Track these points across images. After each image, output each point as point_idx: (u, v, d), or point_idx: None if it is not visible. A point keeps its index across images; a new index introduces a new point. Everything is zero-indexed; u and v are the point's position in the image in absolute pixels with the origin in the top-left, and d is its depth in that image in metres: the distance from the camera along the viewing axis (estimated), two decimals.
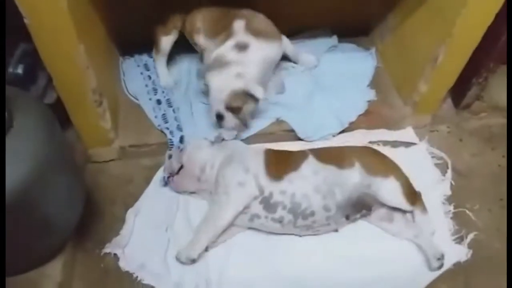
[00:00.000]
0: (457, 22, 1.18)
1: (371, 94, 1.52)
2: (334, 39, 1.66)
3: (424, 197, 1.26)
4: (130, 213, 1.26)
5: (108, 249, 1.20)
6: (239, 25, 1.37)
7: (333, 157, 1.23)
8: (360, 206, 1.19)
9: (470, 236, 1.27)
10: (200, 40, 1.44)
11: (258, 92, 1.29)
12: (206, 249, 1.18)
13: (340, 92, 1.52)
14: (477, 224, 1.30)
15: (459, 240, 1.26)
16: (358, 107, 1.49)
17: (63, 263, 1.11)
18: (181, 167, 1.25)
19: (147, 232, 1.24)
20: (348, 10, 1.63)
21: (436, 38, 1.27)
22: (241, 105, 1.31)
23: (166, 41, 1.47)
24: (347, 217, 1.19)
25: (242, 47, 1.34)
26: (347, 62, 1.60)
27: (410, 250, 1.22)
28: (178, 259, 1.16)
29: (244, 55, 1.33)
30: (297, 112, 1.45)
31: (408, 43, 1.46)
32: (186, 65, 1.58)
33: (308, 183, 1.16)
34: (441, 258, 1.17)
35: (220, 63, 1.32)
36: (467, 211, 1.33)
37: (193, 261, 1.15)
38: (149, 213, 1.27)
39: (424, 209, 1.23)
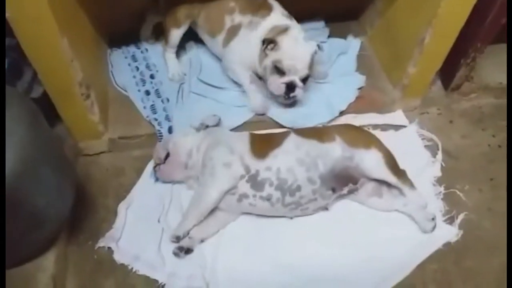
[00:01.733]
0: (441, 3, 1.18)
1: (361, 81, 1.52)
2: (325, 33, 1.66)
3: (414, 179, 1.26)
4: (121, 206, 1.27)
5: (101, 243, 1.20)
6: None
7: (314, 133, 1.26)
8: (345, 179, 1.20)
9: (461, 216, 1.27)
10: (236, 18, 1.42)
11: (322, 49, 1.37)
12: (201, 241, 1.19)
13: (328, 81, 1.51)
14: (468, 204, 1.31)
15: (450, 221, 1.27)
16: (349, 95, 1.49)
17: (57, 256, 1.12)
18: (168, 155, 1.26)
19: (140, 224, 1.24)
20: None
21: (422, 20, 1.27)
22: (310, 72, 1.35)
23: (177, 34, 1.46)
24: (333, 190, 1.20)
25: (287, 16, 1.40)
26: (331, 50, 1.59)
27: (401, 232, 1.23)
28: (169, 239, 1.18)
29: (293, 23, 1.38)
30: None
31: (396, 26, 1.45)
32: (185, 57, 1.57)
33: (291, 157, 1.18)
34: (434, 218, 1.21)
35: (280, 30, 1.33)
36: (458, 192, 1.33)
37: (178, 238, 1.17)
38: (141, 205, 1.28)
39: (411, 185, 1.24)
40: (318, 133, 1.26)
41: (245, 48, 1.40)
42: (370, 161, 1.20)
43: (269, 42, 1.32)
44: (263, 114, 1.42)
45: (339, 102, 1.46)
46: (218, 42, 1.47)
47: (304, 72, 1.33)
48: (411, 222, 1.24)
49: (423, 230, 1.21)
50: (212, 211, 1.20)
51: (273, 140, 1.24)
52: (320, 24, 1.67)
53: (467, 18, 1.24)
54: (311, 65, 1.35)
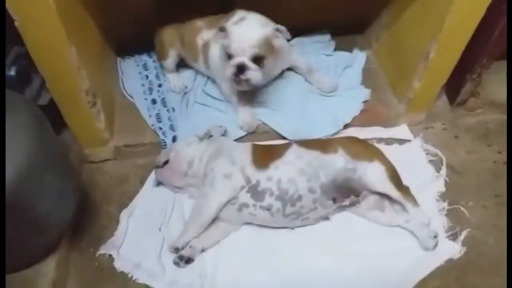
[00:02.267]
0: (447, 18, 1.18)
1: (366, 94, 1.52)
2: (331, 46, 1.66)
3: (418, 194, 1.26)
4: (124, 214, 1.28)
5: (103, 250, 1.21)
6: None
7: (317, 144, 1.26)
8: (346, 191, 1.20)
9: (464, 233, 1.26)
10: (204, 36, 1.42)
11: (286, 33, 1.28)
12: (202, 250, 1.19)
13: (334, 94, 1.52)
14: (471, 220, 1.29)
15: (453, 237, 1.25)
16: (354, 108, 1.48)
17: (58, 261, 1.12)
18: (167, 162, 1.27)
19: (141, 232, 1.25)
20: (344, 8, 1.63)
21: (427, 34, 1.27)
22: (266, 54, 1.29)
23: (167, 64, 1.50)
24: (334, 200, 1.19)
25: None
26: (337, 64, 1.60)
27: (403, 245, 1.22)
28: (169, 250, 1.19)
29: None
30: (290, 115, 1.45)
31: (402, 40, 1.46)
32: (191, 70, 1.58)
33: (292, 167, 1.19)
34: (436, 236, 1.19)
35: (241, 19, 1.29)
36: (462, 208, 1.32)
37: (177, 249, 1.17)
38: (143, 213, 1.29)
39: (415, 201, 1.24)
40: (320, 145, 1.26)
41: (219, 61, 1.37)
42: (373, 174, 1.20)
43: (220, 30, 1.28)
44: (253, 132, 1.42)
45: (343, 115, 1.46)
46: (201, 65, 1.47)
47: (252, 51, 1.25)
48: (413, 237, 1.23)
49: (425, 247, 1.20)
50: (214, 221, 1.20)
51: (275, 151, 1.25)
52: (326, 37, 1.68)
53: (473, 33, 1.23)
54: (267, 47, 1.29)
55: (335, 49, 1.67)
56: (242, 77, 1.28)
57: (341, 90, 1.53)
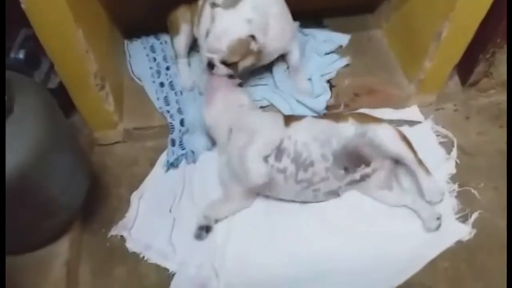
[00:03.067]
0: None
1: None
2: (344, 39, 1.62)
3: None
4: (134, 196, 1.29)
5: (114, 231, 1.23)
6: None
7: (329, 116, 1.34)
8: (357, 159, 1.21)
9: (475, 215, 1.25)
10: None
11: (261, 38, 1.23)
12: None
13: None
14: (482, 202, 1.29)
15: (463, 219, 1.25)
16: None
17: (71, 242, 1.15)
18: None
19: (152, 214, 1.27)
20: None
21: (439, 13, 1.24)
22: (238, 60, 1.24)
23: (178, 41, 1.45)
24: (346, 170, 1.20)
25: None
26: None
27: (412, 226, 1.22)
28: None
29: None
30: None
31: (412, 20, 1.42)
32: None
33: (307, 132, 1.21)
34: (439, 217, 1.20)
35: (231, 2, 1.22)
36: (472, 190, 1.31)
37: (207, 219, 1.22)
38: (153, 195, 1.30)
39: (427, 170, 1.23)
40: (333, 116, 1.31)
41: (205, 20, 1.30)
42: (384, 134, 1.20)
43: (211, 6, 1.23)
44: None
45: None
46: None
47: (222, 55, 1.22)
48: None
49: (428, 228, 1.21)
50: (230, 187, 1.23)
51: (294, 116, 1.29)
52: (344, 38, 1.62)
53: (487, 12, 1.20)
54: (242, 51, 1.23)
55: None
56: (211, 71, 1.26)
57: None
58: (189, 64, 1.50)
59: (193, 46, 1.49)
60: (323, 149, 1.19)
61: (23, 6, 0.96)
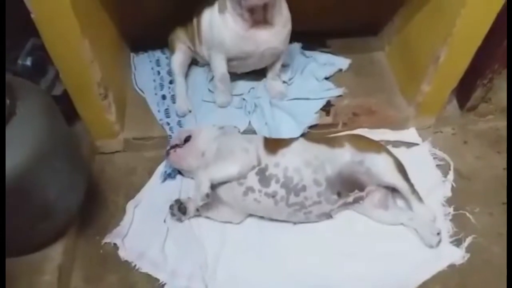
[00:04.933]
0: (457, 22, 1.17)
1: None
2: (345, 63, 1.64)
3: (423, 198, 1.25)
4: (130, 205, 1.30)
5: (108, 239, 1.24)
6: None
7: (324, 139, 1.29)
8: (352, 185, 1.21)
9: (469, 239, 1.25)
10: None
11: None
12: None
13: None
14: (477, 227, 1.28)
15: (457, 243, 1.24)
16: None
17: (65, 247, 1.16)
18: (189, 138, 1.30)
19: (146, 223, 1.27)
20: (357, 9, 1.64)
21: (438, 38, 1.26)
22: None
23: (174, 59, 1.49)
24: (339, 195, 1.20)
25: None
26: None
27: (405, 248, 1.22)
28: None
29: None
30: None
31: (412, 43, 1.45)
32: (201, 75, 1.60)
33: (298, 158, 1.20)
34: (439, 233, 1.20)
35: None
36: (467, 214, 1.31)
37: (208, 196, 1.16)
38: (149, 205, 1.31)
39: (420, 198, 1.24)
40: (327, 140, 1.29)
41: (208, 28, 1.35)
42: (381, 164, 1.21)
43: None
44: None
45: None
46: (198, 45, 1.45)
47: None
48: (415, 238, 1.23)
49: (428, 244, 1.20)
50: (216, 202, 1.22)
51: (283, 141, 1.29)
52: (345, 62, 1.64)
53: (484, 38, 1.22)
54: None
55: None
56: None
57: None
58: (187, 86, 1.53)
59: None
60: (316, 175, 1.18)
61: (32, 16, 1.01)
